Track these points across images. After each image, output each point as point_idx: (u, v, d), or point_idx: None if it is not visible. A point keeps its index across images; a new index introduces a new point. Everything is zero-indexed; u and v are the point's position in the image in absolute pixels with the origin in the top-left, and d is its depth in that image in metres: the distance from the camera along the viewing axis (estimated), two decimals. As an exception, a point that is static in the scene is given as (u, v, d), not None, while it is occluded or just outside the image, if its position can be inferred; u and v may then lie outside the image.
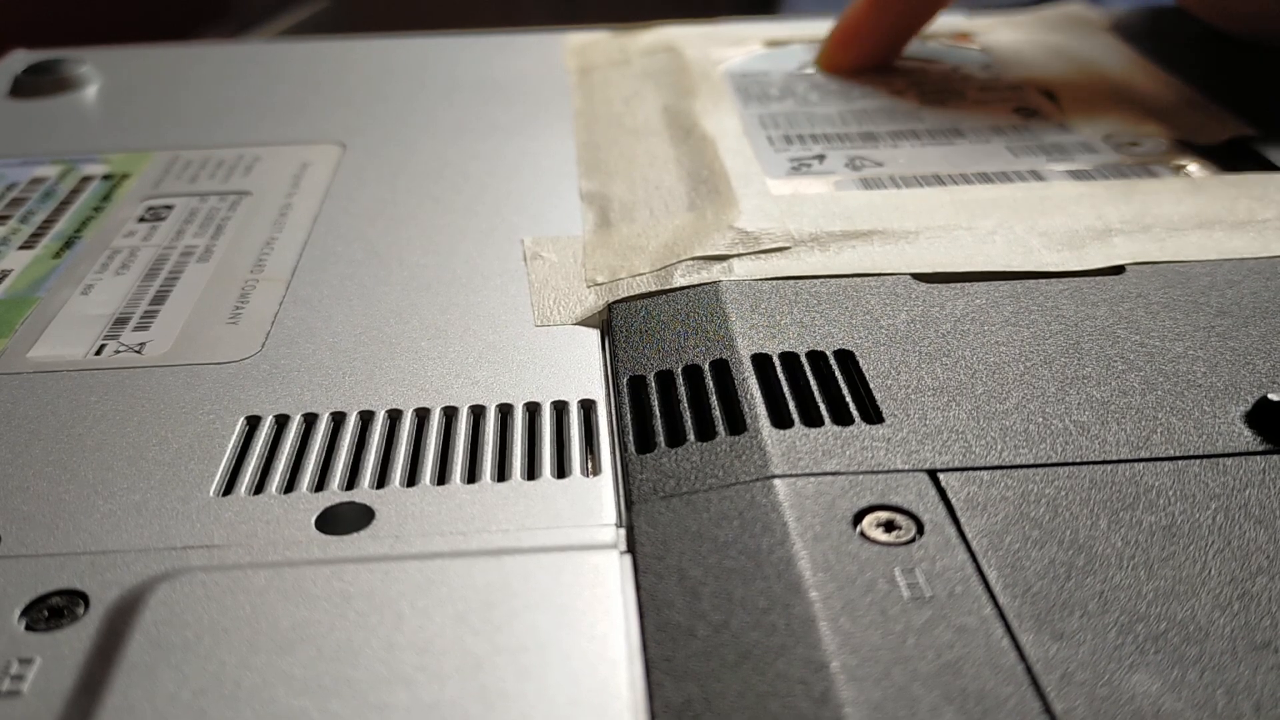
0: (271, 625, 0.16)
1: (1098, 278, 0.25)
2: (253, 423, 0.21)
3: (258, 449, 0.21)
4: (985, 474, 0.19)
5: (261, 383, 0.23)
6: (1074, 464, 0.19)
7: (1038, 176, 0.30)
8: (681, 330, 0.23)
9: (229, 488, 0.20)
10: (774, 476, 0.19)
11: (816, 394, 0.21)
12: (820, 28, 0.44)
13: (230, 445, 0.21)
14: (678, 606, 0.16)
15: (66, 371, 0.23)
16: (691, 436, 0.20)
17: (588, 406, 0.22)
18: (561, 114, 0.37)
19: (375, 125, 0.37)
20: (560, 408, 0.22)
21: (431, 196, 0.31)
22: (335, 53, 0.44)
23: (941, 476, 0.19)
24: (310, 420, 0.21)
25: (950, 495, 0.18)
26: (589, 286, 0.26)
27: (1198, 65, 0.38)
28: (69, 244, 0.29)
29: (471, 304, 0.25)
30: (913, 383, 0.21)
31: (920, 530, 0.17)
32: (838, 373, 0.22)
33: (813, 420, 0.20)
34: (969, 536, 0.17)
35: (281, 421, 0.21)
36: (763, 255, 0.26)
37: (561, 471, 0.20)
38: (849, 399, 0.21)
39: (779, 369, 0.22)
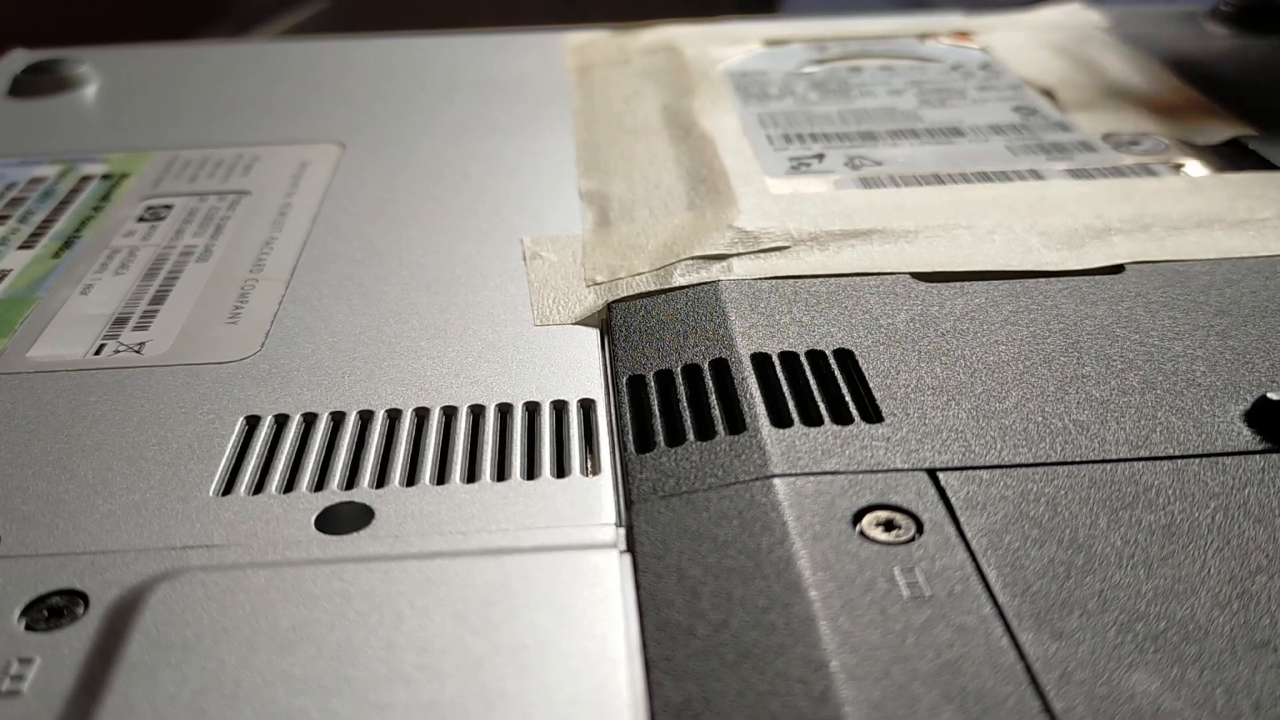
0: (271, 625, 0.16)
1: (1097, 277, 0.25)
2: (252, 422, 0.21)
3: (257, 449, 0.21)
4: (985, 473, 0.19)
5: (261, 382, 0.23)
6: (1073, 463, 0.19)
7: (1037, 176, 0.30)
8: (681, 329, 0.23)
9: (228, 487, 0.20)
10: (773, 476, 0.19)
11: (816, 393, 0.21)
12: (820, 27, 0.44)
13: (230, 445, 0.21)
14: (677, 606, 0.16)
15: (66, 371, 0.23)
16: (691, 436, 0.20)
17: (587, 406, 0.22)
18: (561, 113, 0.37)
19: (375, 125, 0.37)
20: (560, 407, 0.22)
21: (431, 196, 0.31)
22: (335, 52, 0.44)
23: (941, 476, 0.19)
24: (310, 420, 0.21)
25: (950, 494, 0.18)
26: (588, 286, 0.26)
27: (1197, 65, 0.38)
28: (68, 244, 0.29)
29: (471, 303, 0.25)
30: (912, 382, 0.21)
31: (920, 529, 0.17)
32: (837, 372, 0.22)
33: (812, 419, 0.20)
34: (968, 536, 0.17)
35: (281, 421, 0.21)
36: (762, 254, 0.26)
37: (561, 471, 0.20)
38: (848, 398, 0.21)
39: (778, 368, 0.22)
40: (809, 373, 0.22)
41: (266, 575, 0.17)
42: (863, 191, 0.30)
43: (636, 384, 0.22)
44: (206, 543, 0.18)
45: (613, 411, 0.22)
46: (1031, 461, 0.19)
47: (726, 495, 0.18)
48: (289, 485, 0.20)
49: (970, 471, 0.19)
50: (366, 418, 0.22)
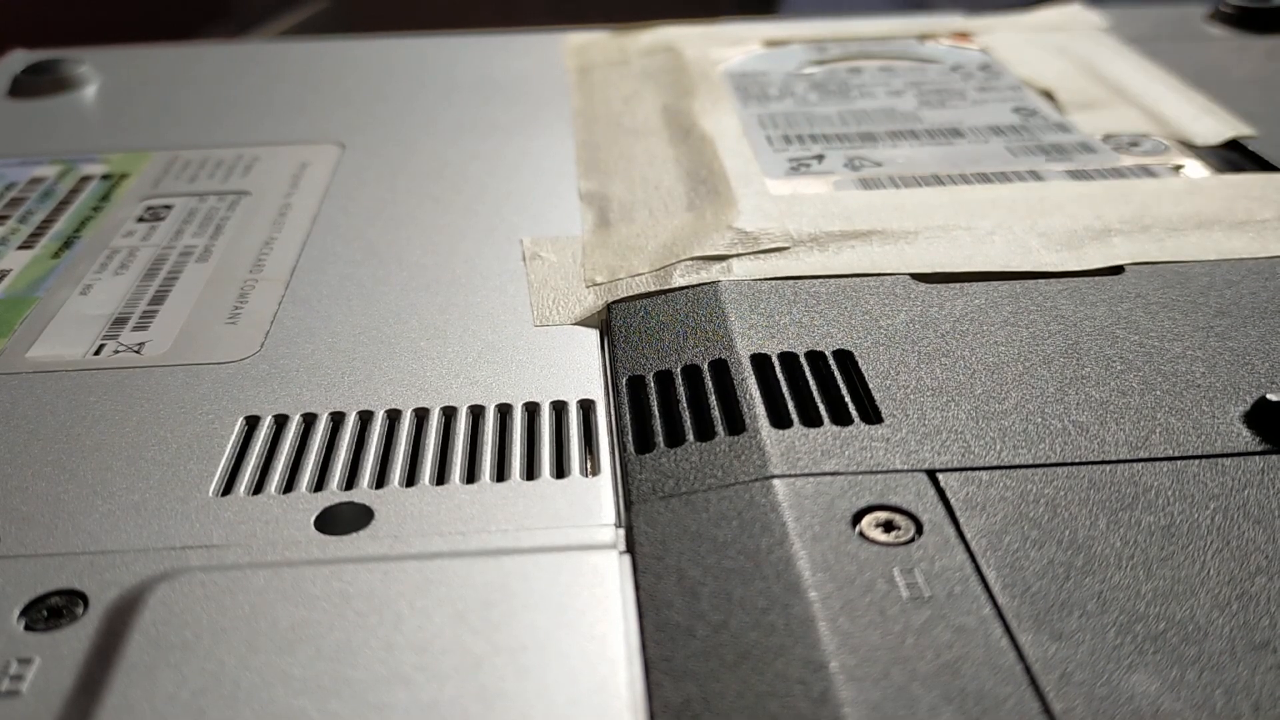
0: (271, 625, 0.16)
1: (1097, 278, 0.25)
2: (252, 423, 0.21)
3: (257, 449, 0.21)
4: (984, 474, 0.19)
5: (260, 383, 0.23)
6: (1073, 464, 0.19)
7: (1037, 177, 0.30)
8: (680, 330, 0.23)
9: (228, 488, 0.20)
10: (773, 476, 0.19)
11: (815, 394, 0.21)
12: (820, 28, 0.44)
13: (229, 445, 0.21)
14: (677, 606, 0.16)
15: (65, 371, 0.23)
16: (690, 437, 0.20)
17: (587, 406, 0.22)
18: (561, 114, 0.37)
19: (374, 125, 0.37)
20: (559, 408, 0.22)
21: (431, 196, 0.31)
22: (334, 53, 0.44)
23: (940, 476, 0.19)
24: (309, 420, 0.21)
25: (949, 495, 0.18)
26: (588, 286, 0.26)
27: (1197, 66, 0.38)
28: (68, 244, 0.29)
29: (470, 304, 0.25)
30: (912, 383, 0.21)
31: (919, 530, 0.17)
32: (837, 373, 0.22)
33: (812, 420, 0.20)
34: (968, 536, 0.17)
35: (280, 421, 0.21)
36: (762, 255, 0.26)
37: (560, 471, 0.20)
38: (848, 399, 0.21)
39: (778, 369, 0.22)
40: (808, 373, 0.22)
41: (266, 575, 0.17)
42: (862, 192, 0.30)
43: (636, 384, 0.22)
44: (206, 543, 0.18)
45: (612, 412, 0.22)
46: (1031, 463, 0.19)
47: (726, 496, 0.18)
48: (288, 485, 0.20)
49: (970, 472, 0.19)
50: (366, 418, 0.22)
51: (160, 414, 0.22)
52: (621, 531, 0.18)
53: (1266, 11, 0.43)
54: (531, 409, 0.22)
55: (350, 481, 0.20)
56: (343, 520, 0.19)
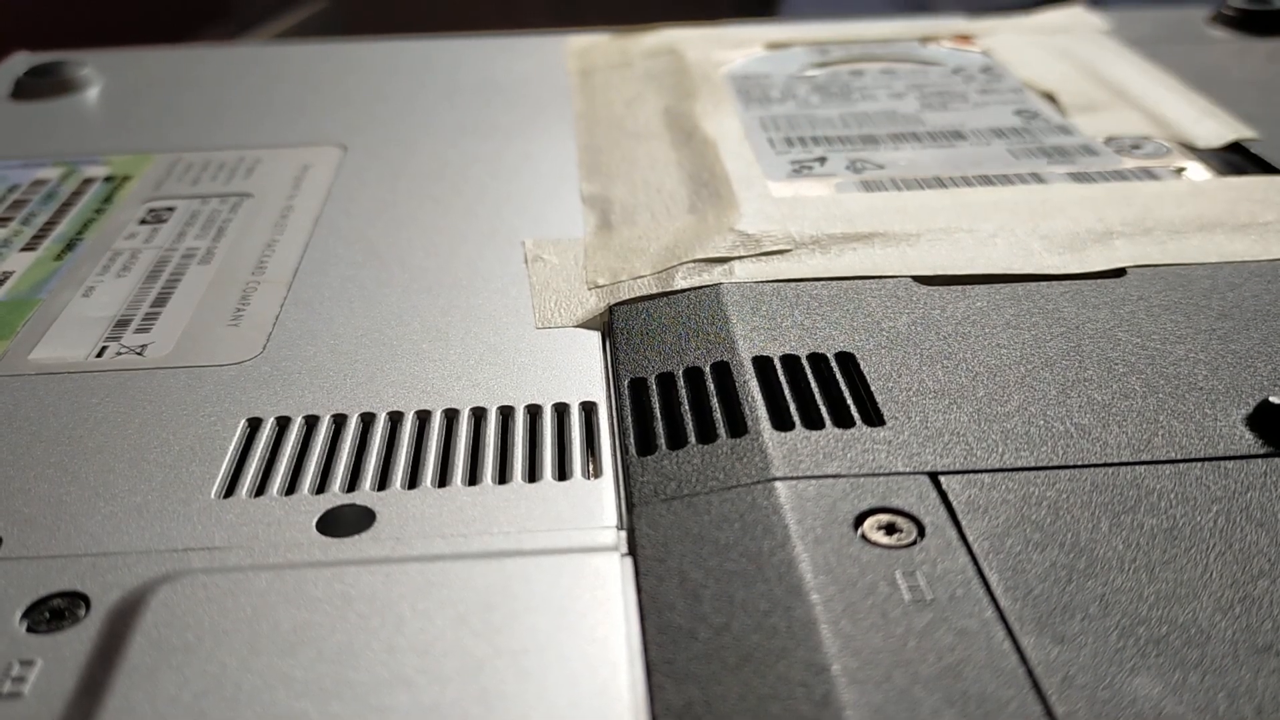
0: (273, 627, 0.16)
1: (1099, 280, 0.25)
2: (254, 425, 0.21)
3: (259, 451, 0.21)
4: (986, 477, 0.19)
5: (263, 385, 0.23)
6: (1075, 467, 0.19)
7: (1039, 179, 0.30)
8: (682, 332, 0.23)
9: (230, 490, 0.20)
10: (775, 479, 0.19)
11: (818, 396, 0.21)
12: (822, 31, 0.44)
13: (231, 447, 0.21)
14: (679, 609, 0.16)
15: (68, 373, 0.23)
16: (693, 439, 0.20)
17: (589, 409, 0.22)
18: (562, 116, 0.37)
19: (376, 127, 0.37)
20: (561, 410, 0.22)
21: (432, 199, 0.31)
22: (336, 55, 0.44)
23: (943, 479, 0.19)
24: (311, 422, 0.21)
25: (951, 498, 0.18)
26: (590, 289, 0.26)
27: (1199, 68, 0.38)
28: (70, 246, 0.29)
29: (472, 306, 0.25)
30: (914, 385, 0.21)
31: (921, 533, 0.17)
32: (839, 375, 0.22)
33: (814, 423, 0.20)
34: (970, 539, 0.17)
35: (283, 423, 0.21)
36: (764, 257, 0.26)
37: (563, 474, 0.20)
38: (850, 401, 0.21)
39: (780, 371, 0.22)
40: (810, 376, 0.22)
41: (268, 578, 0.17)
42: (864, 195, 0.30)
43: (638, 387, 0.22)
44: (208, 545, 0.18)
45: (614, 414, 0.22)
46: (1033, 465, 0.19)
47: (728, 498, 0.18)
48: (290, 488, 0.20)
49: (972, 475, 0.19)
50: (368, 420, 0.22)
51: (162, 416, 0.22)
52: (623, 534, 0.18)
53: (1268, 14, 0.43)
54: (533, 411, 0.22)
55: (352, 484, 0.20)
56: (345, 522, 0.19)
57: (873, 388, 0.21)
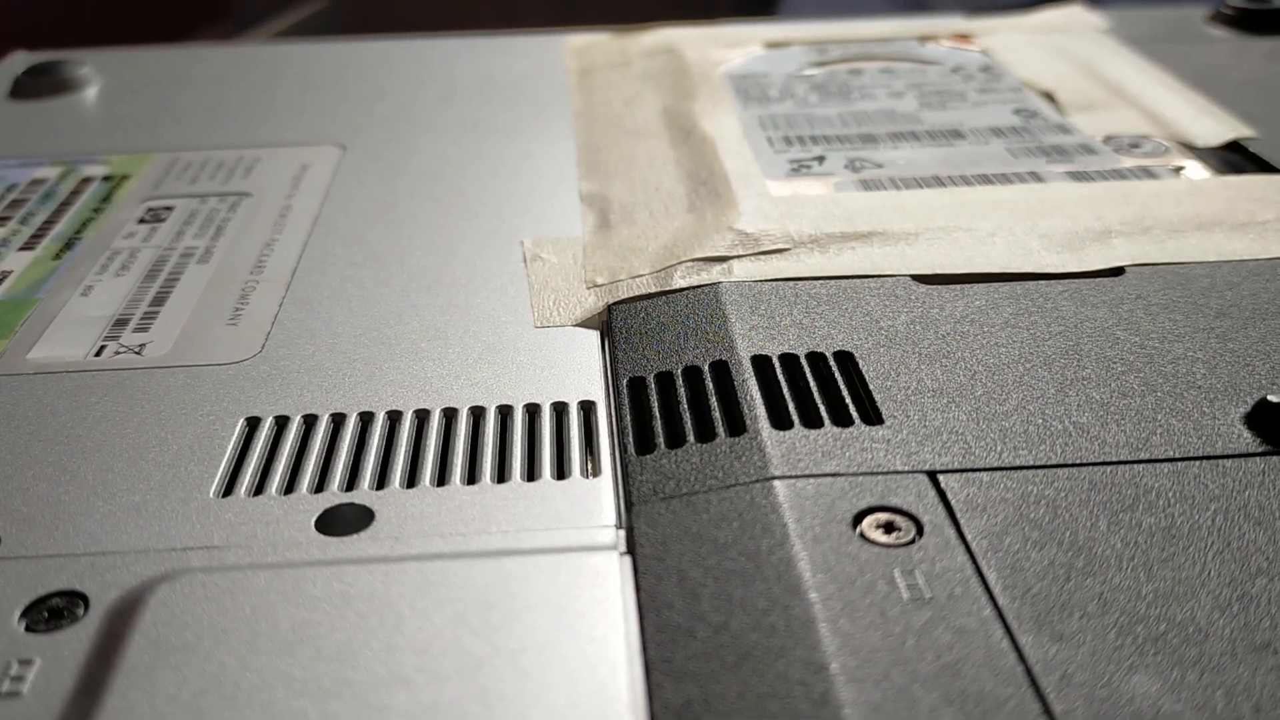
0: (271, 626, 0.16)
1: (1097, 279, 0.25)
2: (253, 424, 0.21)
3: (258, 450, 0.21)
4: (985, 475, 0.19)
5: (261, 384, 0.23)
6: (1074, 465, 0.19)
7: (1037, 178, 0.30)
8: (681, 331, 0.23)
9: (229, 489, 0.20)
10: (774, 478, 0.19)
11: (816, 395, 0.21)
12: (821, 30, 0.44)
13: (230, 446, 0.21)
14: (677, 608, 0.16)
15: (66, 373, 0.23)
16: (691, 438, 0.20)
17: (587, 408, 0.22)
18: (561, 115, 0.37)
19: (375, 126, 0.37)
20: (560, 409, 0.22)
21: (431, 198, 0.31)
22: (335, 54, 0.44)
23: (941, 478, 0.19)
24: (310, 421, 0.21)
25: (950, 496, 0.18)
26: (589, 288, 0.26)
27: (1198, 67, 0.38)
28: (69, 245, 0.29)
29: (471, 305, 0.25)
30: (912, 384, 0.21)
31: (920, 531, 0.17)
32: (837, 374, 0.22)
33: (812, 422, 0.20)
34: (968, 538, 0.17)
35: (281, 423, 0.21)
36: (762, 256, 0.26)
37: (561, 473, 0.20)
38: (849, 400, 0.21)
39: (779, 370, 0.22)
40: (809, 375, 0.22)
41: (267, 577, 0.17)
42: (863, 194, 0.30)
43: (637, 386, 0.22)
44: (207, 544, 0.18)
45: (613, 413, 0.22)
46: (1032, 464, 0.19)
47: (727, 497, 0.18)
48: (289, 487, 0.20)
49: (970, 474, 0.19)
50: (367, 419, 0.22)
51: (161, 415, 0.22)
52: (622, 533, 0.18)
53: (1267, 13, 0.43)
54: (532, 410, 0.22)
55: (351, 483, 0.20)
56: (343, 521, 0.19)
57: (871, 386, 0.21)
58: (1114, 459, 0.19)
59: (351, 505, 0.19)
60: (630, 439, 0.21)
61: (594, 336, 0.24)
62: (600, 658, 0.16)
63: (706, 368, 0.22)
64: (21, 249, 0.29)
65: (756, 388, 0.21)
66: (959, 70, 0.40)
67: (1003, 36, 0.43)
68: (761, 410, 0.20)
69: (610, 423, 0.21)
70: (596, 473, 0.20)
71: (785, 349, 0.22)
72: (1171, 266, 0.25)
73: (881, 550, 0.17)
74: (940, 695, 0.14)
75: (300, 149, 0.35)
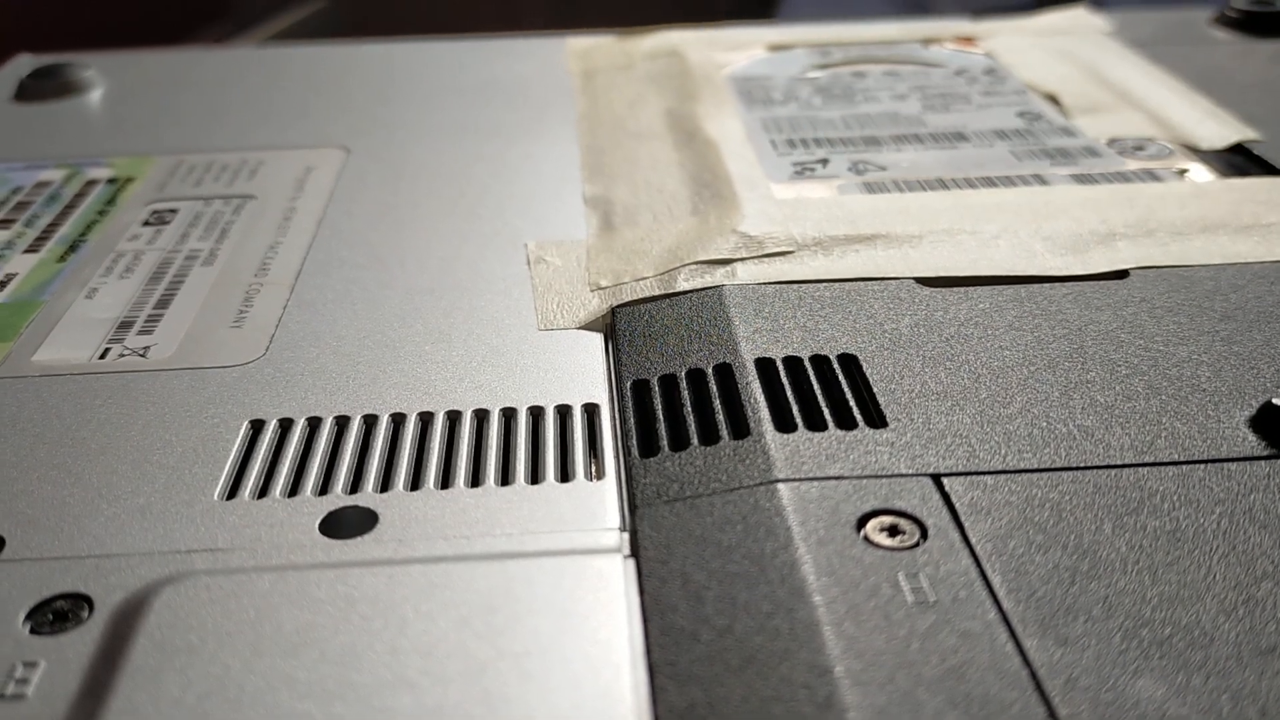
0: (276, 629, 0.16)
1: (1102, 282, 0.25)
2: (257, 426, 0.21)
3: (262, 453, 0.21)
4: (989, 478, 0.19)
5: (265, 386, 0.23)
6: (1078, 468, 0.19)
7: (1041, 181, 0.30)
8: (685, 334, 0.23)
9: (233, 491, 0.20)
10: (777, 481, 0.19)
11: (820, 398, 0.21)
12: (824, 32, 0.44)
13: (234, 449, 0.21)
14: (681, 611, 0.16)
15: (71, 375, 0.23)
16: (695, 441, 0.20)
17: (591, 410, 0.22)
18: (564, 118, 0.37)
19: (379, 129, 0.37)
20: (564, 412, 0.22)
21: (435, 200, 0.31)
22: (338, 57, 0.44)
23: (945, 481, 0.19)
24: (314, 424, 0.21)
25: (954, 500, 0.18)
26: (592, 290, 0.26)
27: (1202, 70, 0.38)
28: (73, 248, 0.29)
29: (475, 308, 0.25)
30: (916, 387, 0.21)
31: (924, 535, 0.17)
32: (841, 377, 0.22)
33: (816, 424, 0.20)
34: (973, 541, 0.17)
35: (285, 425, 0.21)
36: (766, 259, 0.26)
37: (565, 475, 0.20)
38: (852, 403, 0.21)
39: (782, 373, 0.22)
40: (813, 377, 0.22)
41: (271, 579, 0.17)
42: (867, 196, 0.30)
43: (640, 388, 0.22)
44: (211, 546, 0.18)
45: (617, 416, 0.22)
46: (1036, 467, 0.19)
47: (730, 500, 0.18)
48: (293, 489, 0.20)
49: (975, 477, 0.19)
50: (371, 422, 0.22)
51: (165, 418, 0.22)
52: (626, 536, 0.18)
53: (1271, 15, 0.43)
54: (536, 413, 0.22)
55: (355, 485, 0.20)
56: (347, 524, 0.19)
57: (875, 389, 0.21)
58: (1118, 462, 0.19)
59: (355, 508, 0.19)
60: (634, 442, 0.21)
61: (598, 339, 0.24)
62: (604, 661, 0.16)
63: (710, 370, 0.22)
64: (26, 251, 0.29)
65: (760, 390, 0.21)
66: (963, 73, 0.40)
67: (1006, 39, 0.43)
68: (765, 413, 0.20)
69: (614, 425, 0.21)
70: (600, 475, 0.20)
71: (789, 352, 0.22)
72: (1176, 269, 0.25)
73: (886, 553, 0.17)
74: (945, 699, 0.14)
75: (304, 151, 0.35)
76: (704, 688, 0.15)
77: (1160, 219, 0.27)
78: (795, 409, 0.21)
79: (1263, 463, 0.19)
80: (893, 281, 0.25)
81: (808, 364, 0.22)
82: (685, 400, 0.21)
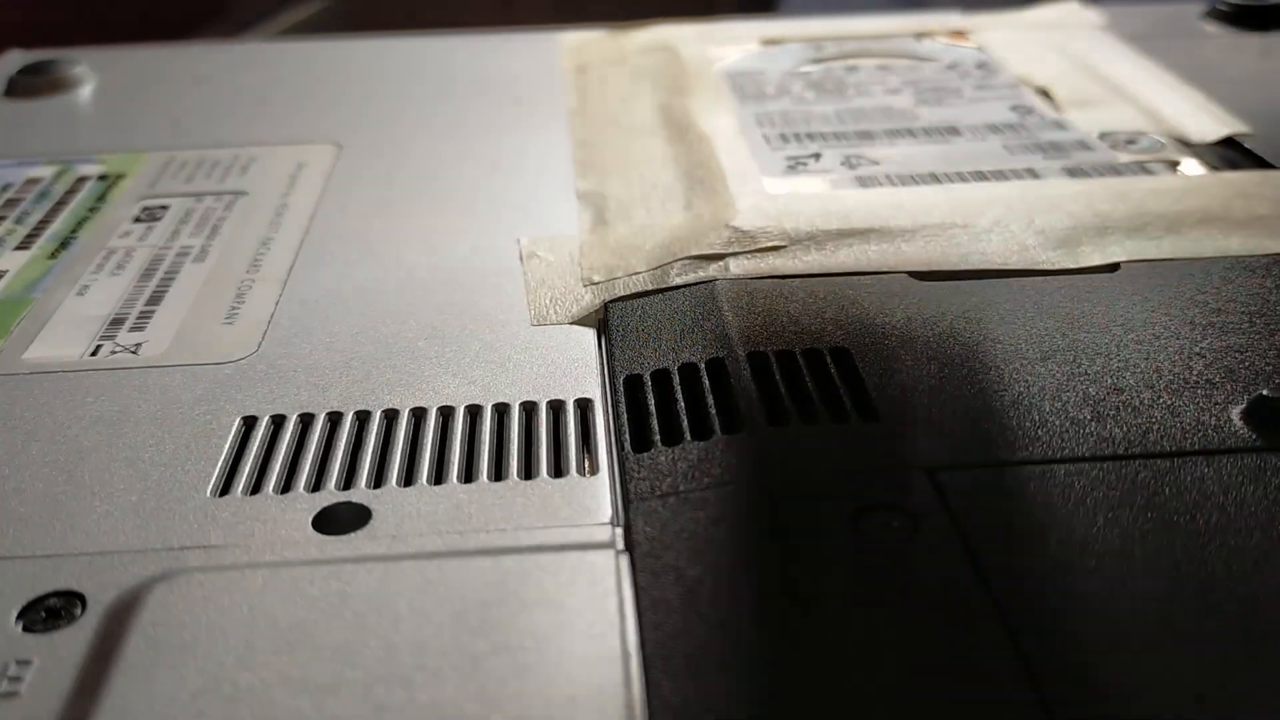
0: (269, 625, 0.16)
1: (1094, 275, 0.25)
2: (249, 423, 0.21)
3: (254, 449, 0.21)
4: (982, 471, 0.19)
5: (258, 383, 0.23)
6: (1071, 461, 0.19)
7: (1034, 174, 0.30)
8: (678, 329, 0.23)
9: (226, 488, 0.20)
10: (771, 474, 0.19)
11: (812, 392, 0.21)
12: (817, 27, 0.44)
13: (227, 446, 0.21)
14: (675, 605, 0.16)
15: (62, 372, 0.23)
16: (688, 435, 0.20)
17: (584, 405, 0.22)
18: (557, 113, 0.37)
19: (371, 125, 0.37)
20: (557, 407, 0.22)
21: (427, 196, 0.31)
22: (331, 53, 0.44)
23: (938, 474, 0.19)
24: (307, 420, 0.21)
25: (947, 493, 0.18)
26: (585, 286, 0.26)
27: (1193, 63, 0.38)
28: (64, 244, 0.29)
29: (468, 303, 0.25)
30: (909, 380, 0.21)
31: (917, 527, 0.17)
32: (834, 371, 0.22)
33: (809, 418, 0.20)
34: (966, 534, 0.17)
35: (278, 422, 0.21)
36: (759, 254, 0.26)
37: (558, 471, 0.20)
38: (845, 397, 0.21)
39: (775, 367, 0.22)
40: (806, 372, 0.22)
41: (264, 576, 0.17)
42: (860, 191, 0.30)
43: (633, 383, 0.22)
44: (204, 543, 0.18)
45: (610, 411, 0.22)
46: (1029, 459, 0.19)
47: (724, 494, 0.18)
48: (286, 486, 0.20)
49: (967, 470, 0.19)
50: (363, 418, 0.21)
51: (157, 414, 0.22)
52: (619, 530, 0.18)
53: (1261, 9, 0.43)
54: (529, 408, 0.22)
55: (348, 481, 0.20)
56: (341, 520, 0.19)
57: (868, 383, 0.21)
58: (1111, 454, 0.19)
59: (348, 504, 0.19)
60: (627, 436, 0.21)
61: (591, 334, 0.24)
62: (597, 655, 0.16)
63: (703, 365, 0.22)
64: (17, 248, 0.29)
65: (753, 385, 0.21)
66: (955, 67, 0.40)
67: (999, 33, 0.43)
68: (758, 407, 0.20)
69: (607, 420, 0.21)
70: (594, 470, 0.20)
71: (782, 346, 0.22)
72: (1168, 263, 0.25)
73: (877, 546, 0.17)
74: (939, 692, 0.14)
75: (296, 147, 0.35)
76: (697, 682, 0.15)
77: (1152, 212, 0.27)
78: (788, 403, 0.21)
79: (1254, 455, 0.19)
80: (885, 276, 0.25)
81: (800, 358, 0.22)
82: (678, 395, 0.21)
